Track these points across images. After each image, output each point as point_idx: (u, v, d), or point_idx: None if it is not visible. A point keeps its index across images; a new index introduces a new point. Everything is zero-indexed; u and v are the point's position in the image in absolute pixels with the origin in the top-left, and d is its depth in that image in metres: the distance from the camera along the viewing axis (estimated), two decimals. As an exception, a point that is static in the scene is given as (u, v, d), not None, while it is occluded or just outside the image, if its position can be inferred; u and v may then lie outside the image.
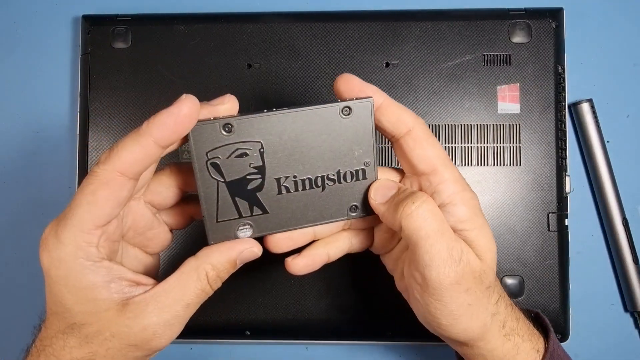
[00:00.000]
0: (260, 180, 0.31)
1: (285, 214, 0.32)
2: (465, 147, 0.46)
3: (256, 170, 0.31)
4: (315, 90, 0.46)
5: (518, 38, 0.46)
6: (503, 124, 0.46)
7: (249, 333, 0.46)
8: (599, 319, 0.49)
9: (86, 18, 0.48)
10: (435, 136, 0.45)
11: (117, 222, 0.30)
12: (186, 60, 0.46)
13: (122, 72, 0.47)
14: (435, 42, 0.46)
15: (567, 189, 0.46)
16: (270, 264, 0.46)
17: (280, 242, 0.34)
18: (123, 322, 0.29)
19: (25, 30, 0.52)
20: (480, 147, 0.46)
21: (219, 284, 0.32)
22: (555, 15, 0.46)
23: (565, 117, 0.46)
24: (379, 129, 0.33)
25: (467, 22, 0.46)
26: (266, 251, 0.46)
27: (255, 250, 0.32)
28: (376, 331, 0.46)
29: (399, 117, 0.32)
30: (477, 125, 0.46)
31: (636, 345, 0.49)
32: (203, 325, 0.46)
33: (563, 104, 0.46)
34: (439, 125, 0.46)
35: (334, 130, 0.31)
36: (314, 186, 0.32)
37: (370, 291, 0.46)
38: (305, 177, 0.32)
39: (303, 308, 0.46)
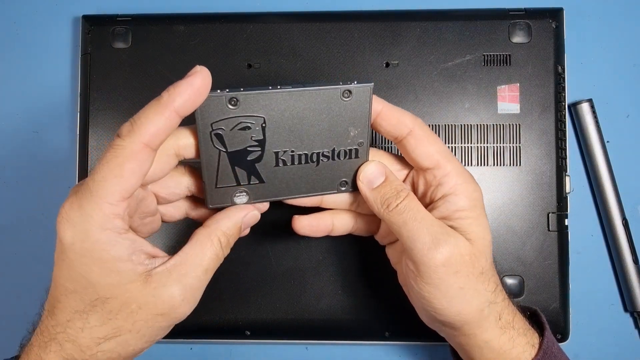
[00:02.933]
0: (260, 152, 0.33)
1: (280, 184, 0.34)
2: (465, 147, 0.46)
3: (257, 143, 0.32)
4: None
5: (518, 38, 0.46)
6: (503, 124, 0.46)
7: (249, 333, 0.46)
8: (599, 319, 0.49)
9: (86, 18, 0.48)
10: (435, 136, 0.45)
11: (135, 198, 0.31)
12: (186, 60, 0.46)
13: (122, 72, 0.47)
14: (435, 42, 0.46)
15: (567, 189, 0.46)
16: (270, 264, 0.46)
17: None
18: (150, 292, 0.29)
19: (25, 30, 0.52)
20: (480, 147, 0.46)
21: (229, 250, 0.34)
22: (555, 15, 0.46)
23: (565, 117, 0.46)
24: (382, 133, 0.35)
25: (467, 22, 0.46)
26: (267, 252, 0.46)
27: (257, 214, 0.35)
28: (376, 331, 0.46)
29: (398, 120, 0.34)
30: (477, 125, 0.46)
31: (636, 345, 0.49)
32: (203, 325, 0.46)
33: (563, 104, 0.46)
34: (439, 125, 0.46)
35: (333, 110, 0.33)
36: (309, 161, 0.34)
37: (370, 291, 0.46)
38: (302, 152, 0.33)
39: (303, 308, 0.46)
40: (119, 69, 0.47)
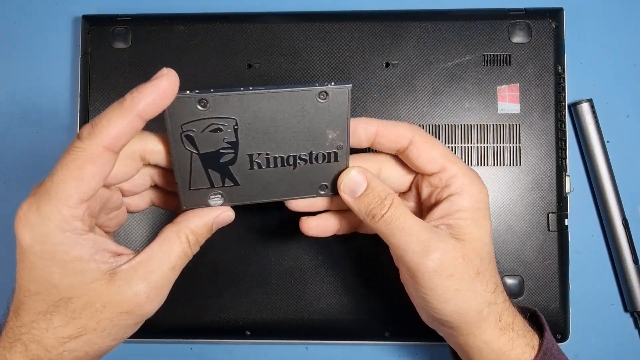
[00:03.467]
0: (233, 154, 0.32)
1: (256, 187, 0.33)
2: (465, 147, 0.46)
3: (229, 146, 0.32)
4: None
5: (518, 38, 0.46)
6: (503, 124, 0.46)
7: (249, 333, 0.46)
8: (599, 319, 0.49)
9: (86, 18, 0.48)
10: (436, 136, 0.45)
11: (96, 198, 0.30)
12: (186, 60, 0.46)
13: (122, 72, 0.47)
14: (435, 42, 0.46)
15: (567, 189, 0.46)
16: (270, 264, 0.46)
17: (299, 203, 0.36)
18: (115, 291, 0.29)
19: (25, 30, 0.52)
20: (480, 147, 0.46)
21: (198, 248, 0.33)
22: (555, 15, 0.46)
23: (565, 117, 0.46)
24: (383, 151, 0.34)
25: (467, 22, 0.46)
26: (267, 252, 0.46)
27: (230, 214, 0.34)
28: (376, 331, 0.46)
29: (397, 134, 0.33)
30: (477, 125, 0.46)
31: (636, 345, 0.49)
32: (203, 325, 0.46)
33: (563, 104, 0.46)
34: (439, 125, 0.46)
35: (309, 112, 0.32)
36: (285, 164, 0.33)
37: (370, 291, 0.46)
38: (277, 155, 0.33)
39: (303, 308, 0.46)
40: (119, 69, 0.47)
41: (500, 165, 0.46)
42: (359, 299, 0.46)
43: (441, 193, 0.34)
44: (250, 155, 0.32)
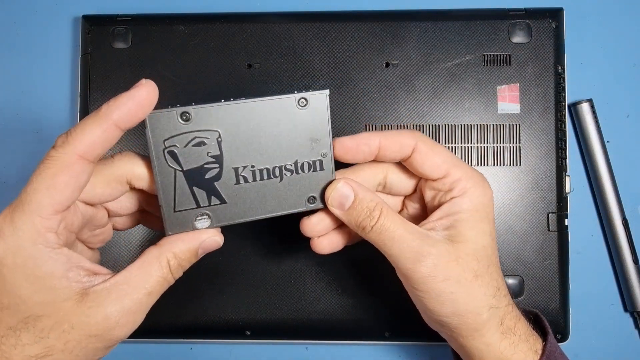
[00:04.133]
0: (218, 169, 0.32)
1: (243, 204, 0.33)
2: (465, 147, 0.46)
3: (214, 160, 0.31)
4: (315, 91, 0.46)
5: (518, 38, 0.46)
6: (503, 124, 0.46)
7: (249, 333, 0.46)
8: (599, 319, 0.49)
9: (86, 18, 0.48)
10: (436, 136, 0.45)
11: (75, 212, 0.30)
12: (186, 60, 0.46)
13: (122, 72, 0.47)
14: (435, 42, 0.46)
15: (567, 189, 0.46)
16: (269, 264, 0.46)
17: (312, 228, 0.35)
18: (83, 312, 0.28)
19: (25, 30, 0.52)
20: (480, 147, 0.46)
21: (181, 273, 0.32)
22: (555, 15, 0.46)
23: (565, 117, 0.46)
24: (388, 161, 0.34)
25: (467, 22, 0.46)
26: (267, 250, 0.46)
27: (218, 240, 0.32)
28: (376, 331, 0.46)
29: (400, 143, 0.33)
30: (477, 125, 0.46)
31: (636, 345, 0.49)
32: (203, 325, 0.46)
33: (563, 104, 0.46)
34: (439, 125, 0.46)
35: (291, 121, 0.32)
36: (272, 176, 0.33)
37: (370, 291, 0.46)
38: (263, 167, 0.32)
39: (303, 308, 0.46)
40: (119, 69, 0.47)
41: (500, 165, 0.46)
42: (359, 299, 0.46)
43: (444, 196, 0.34)
44: (236, 169, 0.32)
